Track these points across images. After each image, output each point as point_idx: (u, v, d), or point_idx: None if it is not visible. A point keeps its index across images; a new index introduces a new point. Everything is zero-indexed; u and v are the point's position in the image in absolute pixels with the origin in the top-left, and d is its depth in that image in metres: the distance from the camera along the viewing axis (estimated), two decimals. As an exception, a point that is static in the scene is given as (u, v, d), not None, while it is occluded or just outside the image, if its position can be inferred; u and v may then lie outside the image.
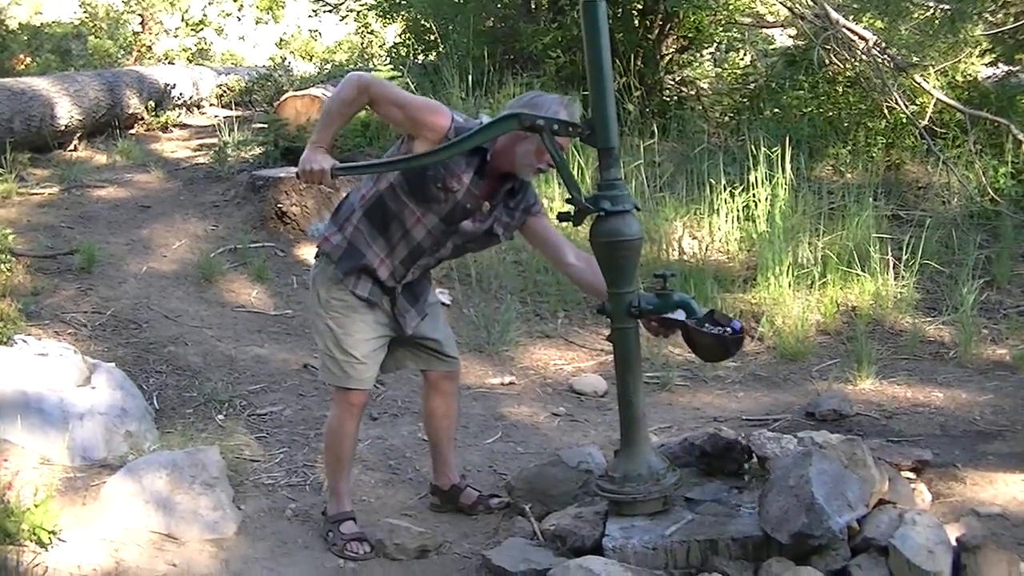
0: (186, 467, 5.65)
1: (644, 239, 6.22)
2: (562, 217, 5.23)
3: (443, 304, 9.07)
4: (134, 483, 5.53)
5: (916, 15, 11.34)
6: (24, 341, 6.60)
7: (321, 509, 5.79)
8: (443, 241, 5.31)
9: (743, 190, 10.32)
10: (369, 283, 5.30)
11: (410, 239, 5.24)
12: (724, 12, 14.53)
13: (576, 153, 10.48)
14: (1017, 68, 12.78)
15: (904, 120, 11.72)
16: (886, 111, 11.86)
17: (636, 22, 13.80)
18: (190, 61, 20.51)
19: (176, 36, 21.45)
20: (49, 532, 5.12)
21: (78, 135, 11.87)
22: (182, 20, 21.98)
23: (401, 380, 7.92)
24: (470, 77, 11.84)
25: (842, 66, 12.39)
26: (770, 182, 10.15)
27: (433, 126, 5.09)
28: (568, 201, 5.15)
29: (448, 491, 5.99)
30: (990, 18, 11.51)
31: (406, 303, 5.44)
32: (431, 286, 5.76)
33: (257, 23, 25.68)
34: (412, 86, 12.29)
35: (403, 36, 16.18)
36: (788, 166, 10.19)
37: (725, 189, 10.29)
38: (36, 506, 5.16)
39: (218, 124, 12.93)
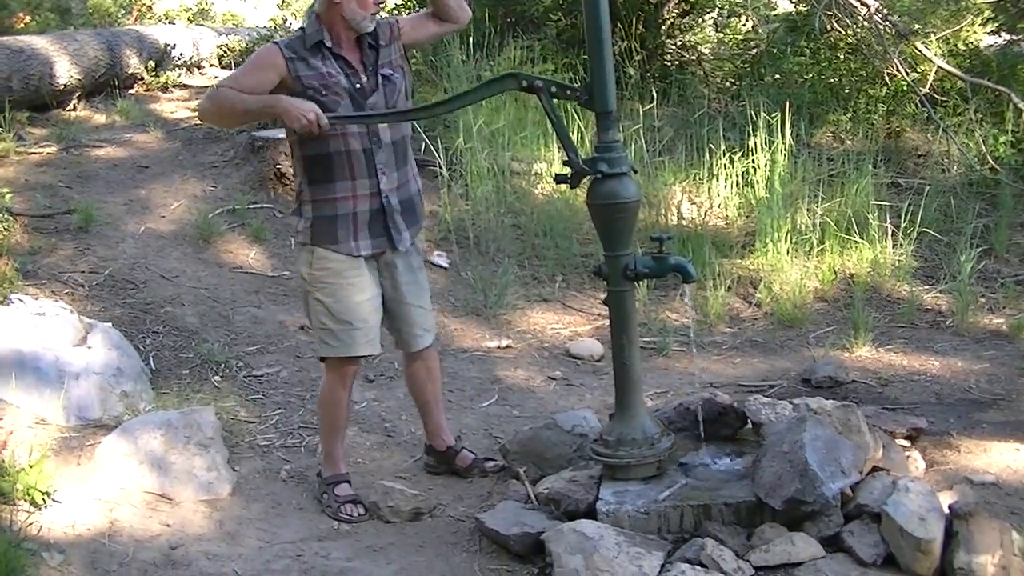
0: (181, 428, 5.66)
1: (641, 202, 6.22)
2: (559, 179, 5.24)
3: (441, 267, 9.08)
4: (129, 443, 5.54)
5: (918, -19, 11.32)
6: (21, 300, 6.60)
7: (316, 471, 5.81)
8: (373, 128, 5.33)
9: (742, 156, 10.30)
10: (355, 238, 5.34)
11: (352, 154, 5.28)
12: (726, -23, 14.49)
13: (576, 116, 10.46)
14: (1019, 37, 12.70)
15: (905, 87, 11.68)
16: (887, 78, 11.81)
17: (638, -14, 13.73)
18: (190, 21, 20.42)
19: (176, -4, 21.40)
20: (43, 492, 5.14)
21: (77, 94, 11.83)
22: (183, -21, 21.92)
23: (398, 343, 7.92)
24: (471, 40, 11.77)
25: (843, 32, 12.34)
26: (770, 148, 10.13)
27: (269, 76, 5.19)
28: (565, 163, 5.15)
29: (444, 452, 6.02)
30: (993, -14, 11.48)
31: (401, 222, 5.48)
32: (419, 191, 5.74)
33: (259, -17, 25.64)
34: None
35: (404, -2, 16.13)
36: (788, 132, 10.15)
37: (724, 155, 10.27)
38: (31, 466, 5.18)
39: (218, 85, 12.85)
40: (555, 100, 5.14)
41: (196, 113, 5.29)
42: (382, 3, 5.35)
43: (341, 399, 5.60)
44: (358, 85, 5.30)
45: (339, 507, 5.51)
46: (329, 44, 5.27)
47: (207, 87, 13.56)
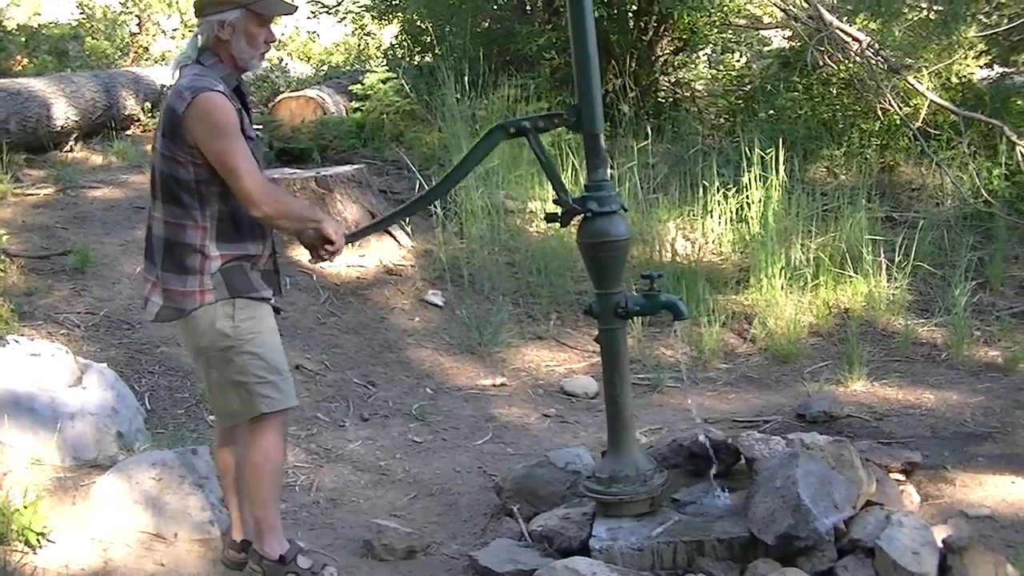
0: (176, 467, 5.64)
1: (632, 239, 6.23)
2: (550, 218, 5.26)
3: (436, 305, 9.10)
4: (124, 483, 5.53)
5: (910, 16, 11.40)
6: (16, 341, 6.59)
7: (260, 557, 5.07)
8: None
9: (736, 192, 10.33)
10: (264, 285, 5.00)
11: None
12: (719, 14, 14.52)
13: (570, 153, 10.50)
14: (1011, 70, 12.79)
15: (898, 121, 11.73)
16: (880, 113, 11.87)
17: (631, 23, 13.77)
18: (187, 62, 20.49)
19: (173, 37, 21.34)
20: (38, 533, 5.12)
21: (74, 136, 11.83)
22: (180, 21, 21.92)
23: (393, 382, 7.95)
24: (466, 78, 11.83)
25: (836, 67, 12.41)
26: (764, 184, 10.16)
27: (230, 136, 4.68)
28: (555, 202, 5.17)
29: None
30: (984, 20, 11.56)
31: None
32: None
33: (255, 25, 25.68)
34: (408, 87, 12.32)
35: (399, 37, 16.16)
36: (782, 168, 10.19)
37: (719, 191, 10.30)
38: (25, 507, 5.17)
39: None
40: (546, 133, 5.15)
41: (250, 206, 4.80)
42: (272, 41, 5.00)
43: (281, 461, 5.16)
44: (252, 137, 4.92)
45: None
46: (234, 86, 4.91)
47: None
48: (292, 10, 5.06)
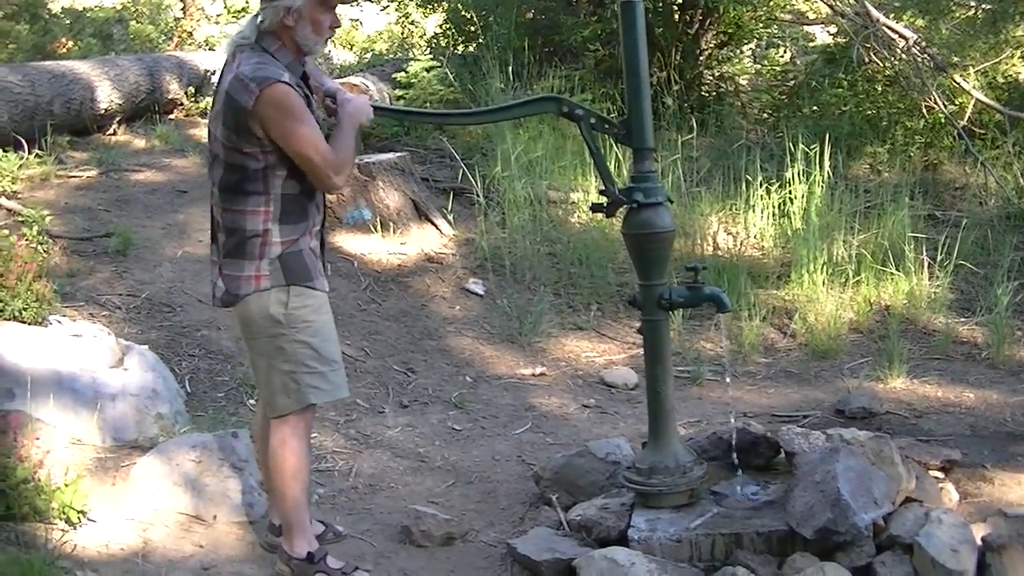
0: (216, 450, 5.67)
1: (677, 232, 6.22)
2: (595, 208, 5.25)
3: (476, 294, 9.10)
4: (164, 464, 5.56)
5: (957, 14, 11.32)
6: (59, 322, 6.63)
7: (288, 556, 5.05)
8: None
9: (779, 187, 10.30)
10: (322, 275, 4.99)
11: (318, 194, 4.98)
12: (764, 8, 14.50)
13: (614, 146, 10.48)
14: (1058, 70, 12.72)
15: (943, 120, 11.68)
16: (924, 111, 11.80)
17: (676, 16, 13.78)
18: (231, 47, 20.54)
19: (217, 23, 21.41)
20: (78, 511, 5.16)
21: (117, 119, 11.88)
22: (224, 6, 21.97)
23: (432, 369, 7.96)
24: (510, 68, 11.84)
25: (881, 64, 12.35)
26: (807, 179, 10.13)
27: (301, 122, 4.69)
28: (601, 192, 5.17)
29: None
30: (1032, 19, 11.46)
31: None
32: None
33: (299, 11, 25.74)
34: (451, 76, 12.32)
35: (443, 26, 16.16)
36: (826, 164, 10.15)
37: (761, 185, 10.27)
38: (66, 485, 5.20)
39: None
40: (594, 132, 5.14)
41: (328, 189, 4.81)
42: (338, 26, 5.01)
43: (308, 457, 5.15)
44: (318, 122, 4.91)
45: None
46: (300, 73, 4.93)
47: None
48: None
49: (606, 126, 5.22)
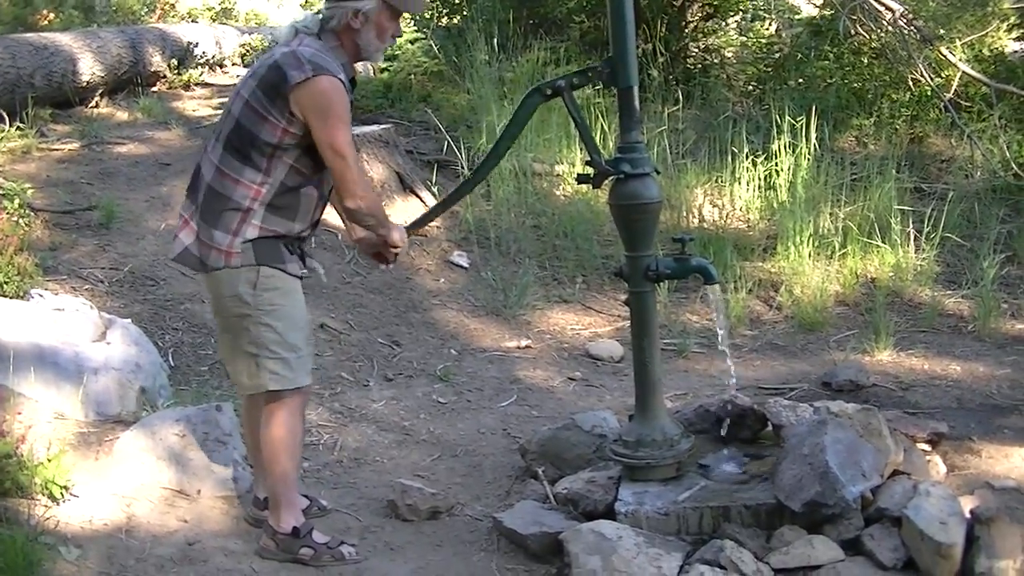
0: (199, 424, 5.63)
1: (664, 204, 6.19)
2: (581, 179, 5.22)
3: (461, 267, 9.08)
4: (147, 439, 5.53)
5: (944, -14, 11.28)
6: (41, 295, 6.59)
7: (274, 530, 5.03)
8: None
9: (765, 159, 10.28)
10: (295, 257, 4.90)
11: (323, 199, 4.96)
12: (750, -20, 14.49)
13: (600, 117, 10.45)
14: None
15: (929, 93, 11.65)
16: (911, 83, 11.78)
17: (662, -12, 13.73)
18: (213, 20, 20.42)
19: (200, -5, 21.39)
20: (61, 487, 5.12)
21: (100, 91, 11.82)
22: (208, -21, 21.90)
23: (417, 342, 7.94)
24: (495, 40, 11.79)
25: (868, 37, 12.30)
26: (793, 152, 10.11)
27: (344, 123, 4.66)
28: (588, 163, 5.13)
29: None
30: (1019, -9, 11.44)
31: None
32: None
33: (283, -18, 25.68)
34: (436, 48, 12.26)
35: (429, -2, 16.13)
36: (812, 136, 10.14)
37: (747, 158, 10.25)
38: (49, 460, 5.16)
39: (240, 83, 12.83)
40: (581, 90, 5.09)
41: (347, 196, 4.73)
42: (399, 35, 5.05)
43: (299, 433, 5.09)
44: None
45: (335, 552, 5.07)
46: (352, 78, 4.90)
47: (229, 85, 13.57)
48: (423, 8, 5.00)
49: (589, 75, 5.17)
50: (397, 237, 4.99)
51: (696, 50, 14.29)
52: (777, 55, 13.97)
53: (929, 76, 11.21)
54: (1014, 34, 12.51)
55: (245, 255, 4.71)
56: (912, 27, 11.36)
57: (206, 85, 14.21)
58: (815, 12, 14.30)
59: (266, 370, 4.82)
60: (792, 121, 10.21)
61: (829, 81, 12.32)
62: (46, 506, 5.04)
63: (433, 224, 9.56)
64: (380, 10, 4.73)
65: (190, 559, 4.95)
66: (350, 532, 5.31)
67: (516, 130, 5.32)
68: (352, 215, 4.87)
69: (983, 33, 11.58)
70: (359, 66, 5.64)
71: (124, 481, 5.40)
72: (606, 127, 10.42)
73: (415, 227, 5.35)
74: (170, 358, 7.11)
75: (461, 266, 9.17)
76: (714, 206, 10.30)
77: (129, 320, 6.83)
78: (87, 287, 7.62)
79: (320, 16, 4.81)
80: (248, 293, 4.74)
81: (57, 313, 6.35)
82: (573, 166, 10.27)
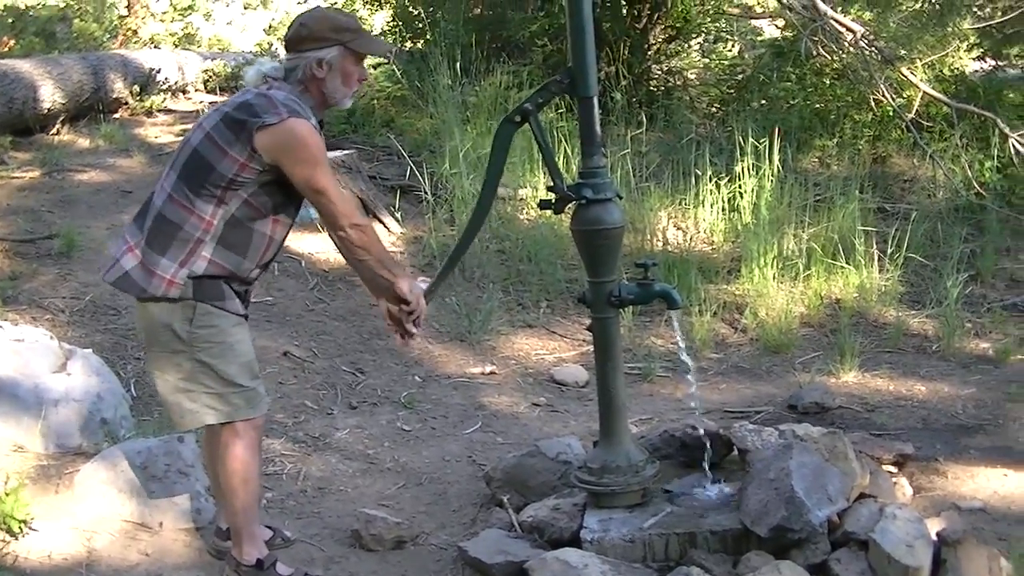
0: (161, 455, 5.58)
1: (626, 228, 6.18)
2: (543, 204, 5.21)
3: (424, 293, 9.03)
4: (108, 471, 5.47)
5: (904, 7, 11.38)
6: (0, 326, 6.53)
7: (237, 563, 5.00)
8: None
9: (729, 181, 10.30)
10: (235, 297, 4.78)
11: (274, 242, 4.83)
12: (712, 3, 14.52)
13: (563, 140, 10.44)
14: (1004, 63, 12.79)
15: (891, 113, 11.73)
16: (873, 104, 11.86)
17: (624, 11, 13.74)
18: (176, 45, 20.35)
19: (163, 20, 21.28)
20: (20, 521, 5.05)
21: (61, 118, 11.76)
22: (169, 4, 21.84)
23: (382, 369, 7.89)
24: (458, 64, 11.77)
25: (830, 58, 12.38)
26: (756, 173, 10.13)
27: (321, 163, 4.63)
28: (550, 188, 5.12)
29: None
30: (978, 12, 11.52)
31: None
32: None
33: (246, 8, 25.56)
34: (399, 73, 12.25)
35: (391, 23, 16.07)
36: (775, 157, 10.16)
37: (711, 180, 10.26)
38: (7, 494, 5.10)
39: (203, 109, 12.83)
40: (544, 112, 5.06)
41: (335, 227, 4.66)
42: (365, 79, 4.98)
43: (256, 465, 5.04)
44: None
45: None
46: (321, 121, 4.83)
47: (192, 112, 13.53)
48: (390, 50, 4.98)
49: (551, 88, 5.16)
50: (406, 287, 4.84)
51: (659, 72, 14.32)
52: (740, 77, 14.04)
53: (891, 96, 11.28)
54: (974, 54, 12.61)
55: (185, 289, 4.62)
56: (873, 48, 11.42)
57: (168, 111, 14.15)
58: (777, 34, 14.36)
59: (202, 404, 4.75)
60: (755, 142, 10.23)
61: (792, 102, 12.37)
62: (4, 541, 4.98)
63: (397, 249, 9.55)
64: (343, 56, 4.70)
65: (152, 593, 4.90)
66: (314, 563, 5.25)
67: (499, 168, 5.28)
68: (346, 248, 4.78)
69: (943, 53, 11.65)
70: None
71: (85, 514, 5.34)
72: (569, 151, 10.40)
73: (432, 291, 5.27)
74: (132, 388, 7.04)
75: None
76: (678, 229, 10.31)
77: (90, 350, 6.76)
78: (48, 317, 7.56)
79: (284, 66, 4.76)
80: (183, 329, 4.66)
81: (17, 344, 6.28)
82: (536, 190, 10.25)
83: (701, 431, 5.50)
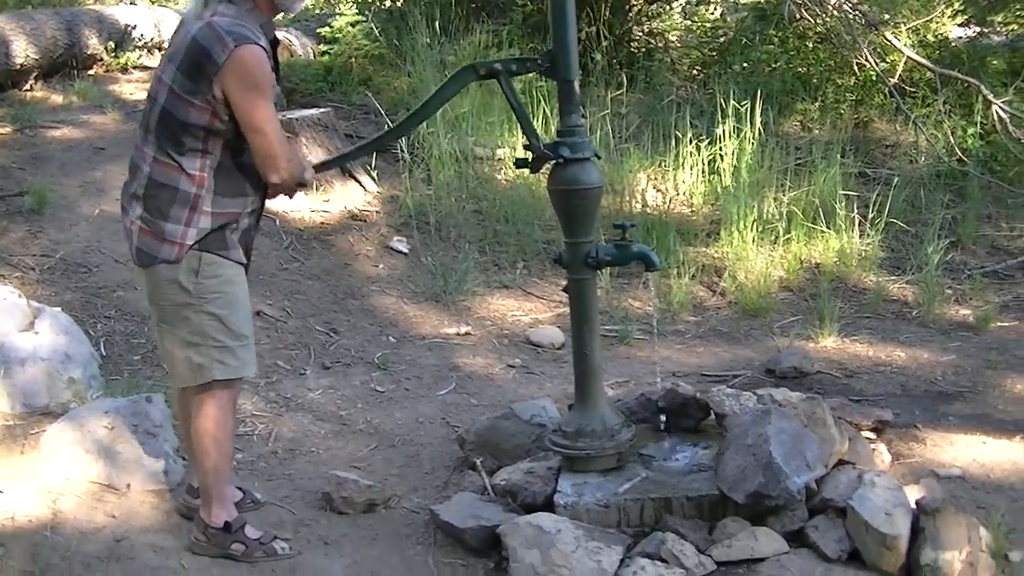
0: (129, 415, 5.48)
1: (605, 188, 6.10)
2: (520, 163, 5.13)
3: (401, 252, 8.96)
4: (75, 431, 5.37)
5: (889, -30, 11.29)
6: (-33, 284, 6.45)
7: (205, 525, 4.88)
8: None
9: (709, 144, 10.23)
10: (238, 246, 4.71)
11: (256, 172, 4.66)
12: (694, -36, 14.44)
13: (542, 100, 10.35)
14: (988, 29, 12.74)
15: (874, 77, 11.67)
16: (856, 68, 11.80)
17: (605, -29, 13.64)
18: (153, 2, 20.20)
19: (139, -23, 21.13)
20: (-16, 481, 4.98)
21: (34, 75, 11.60)
22: (147, -39, 21.67)
23: (355, 329, 7.82)
24: (437, 23, 11.68)
25: (812, 22, 12.31)
26: (737, 136, 10.07)
27: (264, 94, 4.48)
28: (526, 147, 5.04)
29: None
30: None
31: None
32: None
33: (223, -34, 25.48)
34: (377, 31, 12.13)
35: (370, -19, 15.97)
36: (756, 121, 10.09)
37: (691, 142, 10.20)
38: (-29, 454, 5.03)
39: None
40: (519, 78, 4.99)
41: (270, 171, 4.53)
42: None
43: (231, 425, 4.95)
44: (277, 94, 4.75)
45: (267, 548, 4.94)
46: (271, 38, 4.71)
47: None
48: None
49: (528, 64, 5.07)
50: (309, 177, 4.84)
51: (640, 34, 14.21)
52: (722, 39, 13.96)
53: (874, 61, 11.23)
54: (958, 20, 12.56)
55: (194, 249, 4.53)
56: (857, 12, 11.37)
57: (144, 68, 13.95)
58: (760, -4, 14.28)
59: (213, 360, 4.66)
60: (736, 105, 10.18)
61: (774, 66, 12.29)
62: (-32, 503, 4.90)
63: (373, 209, 9.45)
64: None
65: (118, 556, 4.80)
66: (284, 526, 5.18)
67: (439, 103, 5.24)
68: (277, 189, 4.70)
69: (928, 19, 11.63)
70: (296, 46, 5.50)
71: (50, 475, 5.25)
72: (548, 111, 10.32)
73: (323, 168, 5.19)
74: (102, 347, 6.95)
75: (401, 252, 9.06)
76: (657, 191, 10.24)
77: (59, 309, 6.66)
78: (17, 275, 7.45)
79: None
80: (190, 281, 4.56)
81: (-17, 301, 6.19)
82: (515, 150, 10.18)
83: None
